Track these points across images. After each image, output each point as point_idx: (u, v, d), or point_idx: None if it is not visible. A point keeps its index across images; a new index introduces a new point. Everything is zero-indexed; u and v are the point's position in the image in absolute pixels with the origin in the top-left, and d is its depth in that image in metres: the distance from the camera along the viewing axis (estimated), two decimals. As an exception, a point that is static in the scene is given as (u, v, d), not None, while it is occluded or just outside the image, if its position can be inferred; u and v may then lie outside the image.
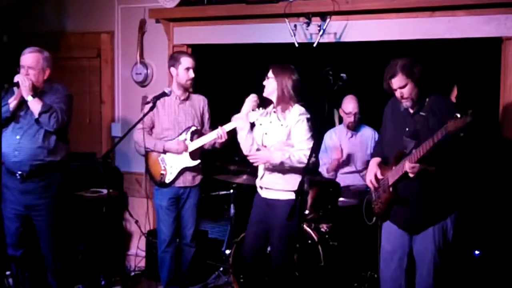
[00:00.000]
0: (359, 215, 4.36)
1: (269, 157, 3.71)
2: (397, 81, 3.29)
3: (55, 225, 4.05)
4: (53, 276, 4.16)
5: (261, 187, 3.86)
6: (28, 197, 3.98)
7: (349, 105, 4.77)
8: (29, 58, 3.93)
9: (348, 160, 4.84)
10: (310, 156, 3.52)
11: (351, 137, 4.84)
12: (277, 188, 3.75)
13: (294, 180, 3.67)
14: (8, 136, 3.96)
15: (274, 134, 3.76)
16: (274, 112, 3.78)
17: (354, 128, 4.83)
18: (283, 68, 3.78)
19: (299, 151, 3.65)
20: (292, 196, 3.65)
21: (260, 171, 3.86)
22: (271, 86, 3.76)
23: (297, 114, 3.68)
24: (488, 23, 4.05)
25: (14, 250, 4.09)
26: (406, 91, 3.29)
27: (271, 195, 3.79)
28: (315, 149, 3.67)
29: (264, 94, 3.80)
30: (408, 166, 3.20)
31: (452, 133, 2.96)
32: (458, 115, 2.91)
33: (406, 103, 3.35)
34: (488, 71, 4.30)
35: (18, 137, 3.94)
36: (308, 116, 3.70)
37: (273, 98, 3.78)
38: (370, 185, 3.57)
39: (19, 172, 3.95)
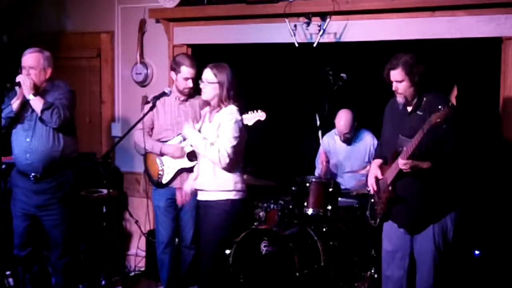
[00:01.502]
0: (359, 215, 4.37)
1: (189, 133, 3.68)
2: (395, 75, 3.32)
3: (66, 221, 4.06)
4: (59, 271, 4.16)
5: (196, 190, 3.79)
6: (40, 197, 3.99)
7: (340, 122, 4.73)
8: (30, 59, 3.94)
9: (346, 165, 4.84)
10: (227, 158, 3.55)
11: (349, 144, 4.83)
12: (211, 188, 3.68)
13: (227, 180, 3.65)
14: (18, 138, 3.98)
15: (206, 134, 3.71)
16: (209, 112, 3.75)
17: (349, 142, 4.82)
18: (219, 69, 3.73)
19: (216, 147, 3.58)
20: (226, 196, 3.64)
21: (194, 172, 3.78)
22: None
23: (227, 114, 3.63)
24: (488, 23, 4.05)
25: (19, 250, 4.09)
26: (401, 87, 3.33)
27: (205, 197, 3.72)
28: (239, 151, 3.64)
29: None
30: (401, 162, 3.24)
31: (435, 125, 3.05)
32: (440, 107, 3.02)
33: (398, 98, 3.39)
34: (488, 71, 4.30)
35: (28, 139, 3.95)
36: (239, 118, 3.66)
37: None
38: (371, 189, 3.58)
39: (33, 174, 3.95)
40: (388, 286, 3.59)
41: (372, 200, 3.67)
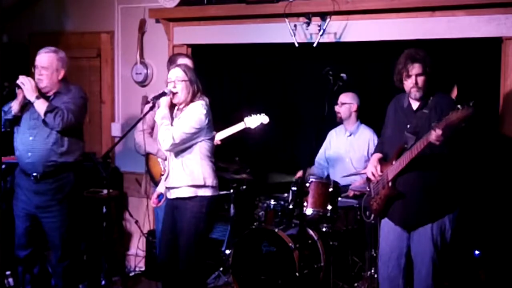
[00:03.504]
0: (359, 215, 4.37)
1: (158, 110, 3.62)
2: (417, 68, 3.33)
3: (66, 224, 4.04)
4: (59, 275, 4.15)
5: (168, 189, 3.73)
6: (41, 198, 3.97)
7: (343, 97, 4.68)
8: (43, 58, 3.90)
9: (346, 158, 4.82)
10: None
11: (349, 135, 4.80)
12: (181, 184, 3.62)
13: (196, 174, 3.60)
14: (22, 136, 3.96)
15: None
16: (177, 109, 3.69)
17: (342, 121, 4.77)
18: (186, 66, 3.70)
19: (172, 129, 3.53)
20: (197, 193, 3.59)
21: (165, 173, 3.73)
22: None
23: (194, 106, 3.59)
24: (488, 23, 4.06)
25: (20, 251, 4.08)
26: (420, 81, 3.35)
27: (177, 194, 3.66)
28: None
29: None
30: (435, 134, 3.10)
31: (454, 124, 3.03)
32: (460, 107, 3.00)
33: (415, 93, 3.38)
34: (488, 71, 4.30)
35: (31, 138, 3.93)
36: (204, 112, 3.58)
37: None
38: (371, 177, 3.57)
39: (34, 174, 3.93)
40: (385, 285, 3.60)
41: (367, 195, 3.67)
